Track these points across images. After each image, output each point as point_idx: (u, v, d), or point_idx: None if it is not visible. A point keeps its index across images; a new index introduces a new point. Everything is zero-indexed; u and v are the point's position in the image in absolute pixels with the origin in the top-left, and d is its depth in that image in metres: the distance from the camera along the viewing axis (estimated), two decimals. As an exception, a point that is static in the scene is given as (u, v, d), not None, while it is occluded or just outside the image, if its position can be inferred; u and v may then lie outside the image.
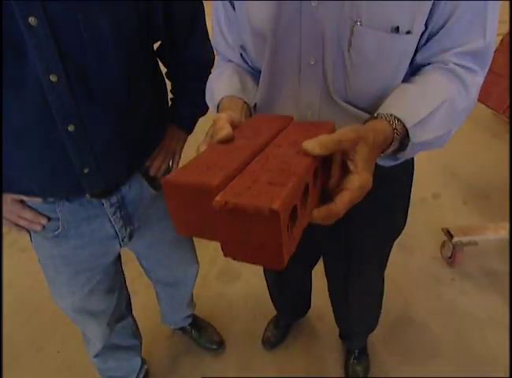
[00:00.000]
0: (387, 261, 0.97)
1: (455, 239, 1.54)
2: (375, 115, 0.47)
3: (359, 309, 1.09)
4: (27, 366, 1.36)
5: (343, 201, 0.37)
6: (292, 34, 0.55)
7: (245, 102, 0.61)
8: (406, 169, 0.75)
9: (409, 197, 0.80)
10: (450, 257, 1.63)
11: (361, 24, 0.50)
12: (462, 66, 0.51)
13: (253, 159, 0.38)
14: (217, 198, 0.31)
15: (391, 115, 0.45)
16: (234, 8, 0.62)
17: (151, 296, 1.28)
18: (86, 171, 0.68)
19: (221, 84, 0.64)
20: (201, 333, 1.37)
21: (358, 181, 0.37)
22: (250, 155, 0.38)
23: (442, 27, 0.50)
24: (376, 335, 1.32)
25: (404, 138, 0.47)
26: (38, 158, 0.65)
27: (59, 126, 0.61)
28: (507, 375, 1.17)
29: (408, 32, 0.50)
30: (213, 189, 0.32)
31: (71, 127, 0.62)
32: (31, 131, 0.61)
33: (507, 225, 1.59)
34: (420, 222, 1.88)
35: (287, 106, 0.64)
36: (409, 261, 1.68)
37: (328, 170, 0.40)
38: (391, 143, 0.45)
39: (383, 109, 0.47)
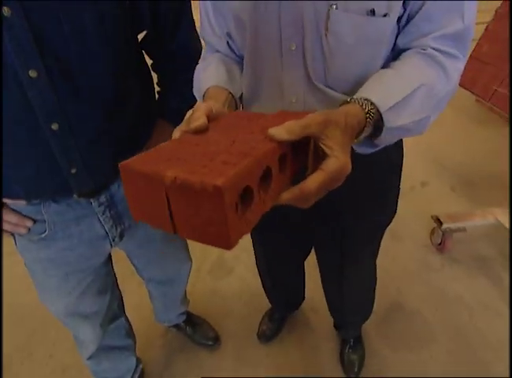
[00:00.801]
0: (378, 248, 0.97)
1: (444, 226, 1.56)
2: (348, 99, 0.46)
3: (353, 298, 1.10)
4: (18, 372, 1.33)
5: (315, 181, 0.36)
6: (272, 20, 0.54)
7: (230, 93, 0.60)
8: (396, 157, 0.75)
9: (399, 184, 0.81)
10: (439, 244, 1.65)
11: (336, 8, 0.49)
12: (442, 51, 0.50)
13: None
14: (168, 174, 0.31)
15: (365, 99, 0.45)
16: None
17: (144, 294, 1.26)
18: (73, 171, 0.65)
19: (208, 74, 0.64)
20: (195, 329, 1.36)
21: (336, 164, 0.37)
22: (215, 150, 0.37)
23: (419, 9, 0.49)
24: (370, 324, 1.33)
25: (378, 122, 0.46)
26: (22, 158, 0.62)
27: (42, 124, 0.58)
28: (507, 375, 1.20)
29: (385, 15, 0.49)
30: (163, 178, 0.31)
31: (55, 126, 0.59)
32: (12, 131, 0.58)
33: (494, 210, 1.62)
34: (409, 210, 1.89)
35: (272, 93, 0.63)
36: (400, 249, 1.70)
37: (305, 160, 0.40)
38: (363, 128, 0.44)
39: (358, 94, 0.47)
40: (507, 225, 1.54)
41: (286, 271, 1.16)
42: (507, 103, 1.30)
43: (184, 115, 0.90)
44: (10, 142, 0.60)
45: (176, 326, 1.37)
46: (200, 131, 0.41)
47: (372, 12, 0.49)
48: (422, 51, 0.51)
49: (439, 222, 1.59)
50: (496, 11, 1.38)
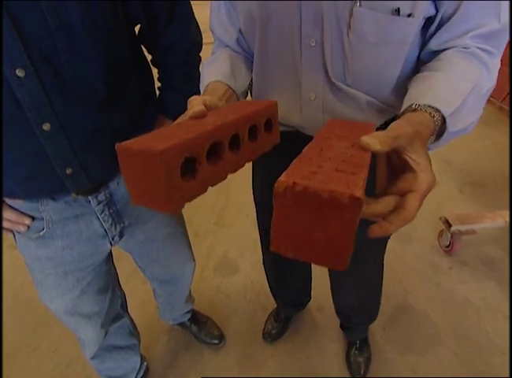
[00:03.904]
0: (385, 247, 0.96)
1: (453, 228, 1.54)
2: (413, 107, 0.43)
3: (360, 297, 1.09)
4: (22, 366, 1.33)
5: (414, 206, 0.34)
6: (292, 15, 0.53)
7: (230, 88, 0.59)
8: None
9: None
10: (447, 246, 1.63)
11: (360, 5, 0.48)
12: (482, 49, 0.49)
13: (215, 133, 0.36)
14: (282, 178, 0.27)
15: (430, 106, 0.42)
16: None
17: (148, 291, 1.26)
18: (68, 171, 0.63)
19: (211, 69, 0.63)
20: (200, 328, 1.35)
21: (426, 181, 0.34)
22: (212, 129, 0.35)
23: (455, 11, 0.48)
24: (377, 326, 1.32)
25: (441, 127, 0.44)
26: (16, 160, 0.60)
27: (33, 125, 0.56)
28: (507, 375, 1.18)
29: (409, 15, 0.48)
30: (157, 154, 0.30)
31: (46, 126, 0.57)
32: (5, 131, 0.56)
33: (504, 213, 1.59)
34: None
35: (288, 89, 0.62)
36: (408, 251, 1.68)
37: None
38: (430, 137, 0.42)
39: (417, 100, 0.44)
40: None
41: (293, 271, 1.14)
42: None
43: (184, 110, 0.88)
44: (4, 142, 0.58)
45: (181, 324, 1.36)
46: (198, 117, 0.40)
47: (398, 12, 0.47)
48: (464, 50, 0.49)
49: (447, 224, 1.57)
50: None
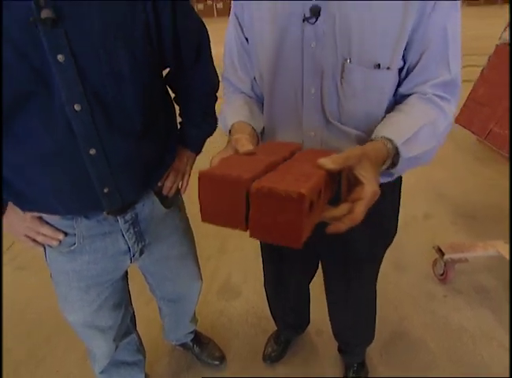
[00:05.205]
0: (378, 271, 1.03)
1: (446, 257, 1.61)
2: (371, 138, 0.56)
3: (357, 318, 1.15)
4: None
5: (360, 210, 0.45)
6: (296, 70, 0.66)
7: (253, 128, 0.70)
8: (396, 184, 0.85)
9: (399, 208, 0.90)
10: (442, 275, 1.69)
11: (350, 62, 0.61)
12: (438, 95, 0.62)
13: (271, 168, 0.47)
14: (254, 184, 0.39)
15: (384, 137, 0.55)
16: (248, 41, 0.73)
17: (151, 312, 1.31)
18: (106, 190, 0.72)
19: (233, 112, 0.74)
20: (202, 349, 1.39)
21: (370, 191, 0.45)
22: (269, 165, 0.47)
23: (416, 64, 0.62)
24: (374, 350, 1.36)
25: (395, 155, 0.56)
26: (64, 181, 0.69)
27: (82, 150, 0.66)
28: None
29: (388, 68, 0.62)
30: (243, 181, 0.40)
31: (92, 151, 0.67)
32: (57, 156, 0.66)
33: (495, 243, 1.67)
34: (412, 241, 1.95)
35: (292, 128, 0.73)
36: (403, 279, 1.74)
37: (335, 186, 0.50)
38: (385, 161, 0.54)
39: (376, 133, 0.57)
40: (508, 257, 1.58)
41: (293, 293, 1.21)
42: (503, 141, 1.40)
43: (203, 142, 0.99)
44: (54, 167, 0.67)
45: (184, 345, 1.40)
46: (249, 155, 0.52)
47: (379, 66, 0.61)
48: (423, 96, 0.62)
49: (440, 252, 1.64)
50: (489, 58, 1.52)
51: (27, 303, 1.70)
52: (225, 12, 17.05)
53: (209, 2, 17.55)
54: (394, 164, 0.57)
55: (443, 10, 0.57)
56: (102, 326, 0.96)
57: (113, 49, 0.62)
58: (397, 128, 0.57)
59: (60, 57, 0.58)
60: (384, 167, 0.55)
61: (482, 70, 1.60)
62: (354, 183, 0.47)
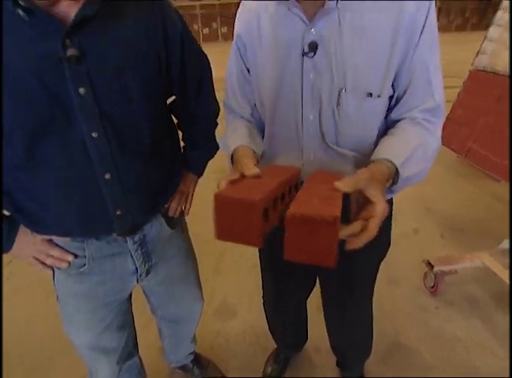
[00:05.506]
0: (373, 287, 1.08)
1: (436, 269, 1.67)
2: (373, 160, 0.62)
3: (354, 333, 1.17)
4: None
5: (374, 227, 0.50)
6: (295, 98, 0.73)
7: (254, 151, 0.75)
8: (389, 200, 0.90)
9: (391, 222, 0.95)
10: (432, 287, 1.75)
11: (345, 91, 0.68)
12: (425, 119, 0.70)
13: (278, 190, 0.52)
14: (289, 211, 0.44)
15: (385, 159, 0.61)
16: (249, 72, 0.80)
17: (150, 335, 1.32)
18: (118, 212, 0.76)
19: (236, 136, 0.79)
20: (202, 370, 1.39)
21: (381, 208, 0.51)
22: (276, 187, 0.52)
23: (405, 93, 0.70)
24: (371, 363, 1.38)
25: (395, 175, 0.62)
26: (79, 204, 0.72)
27: (98, 175, 0.69)
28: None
29: (378, 96, 0.69)
30: (257, 203, 0.45)
31: (107, 175, 0.70)
32: (74, 181, 0.69)
33: (481, 255, 1.74)
34: (403, 256, 2.02)
35: (292, 152, 0.79)
36: (396, 293, 1.79)
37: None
38: (388, 180, 0.60)
39: (376, 156, 0.63)
40: (494, 269, 1.65)
41: (292, 307, 1.23)
42: (482, 158, 1.50)
43: (205, 165, 1.05)
44: (71, 191, 0.70)
45: (183, 367, 1.40)
46: (256, 177, 0.57)
47: (370, 95, 0.68)
48: (413, 121, 0.70)
49: (430, 265, 1.70)
50: (464, 82, 1.64)
51: (26, 324, 1.66)
52: (229, 36, 18.18)
53: (214, 26, 18.31)
54: (394, 183, 0.63)
55: (425, 47, 0.65)
56: (107, 348, 0.96)
57: (128, 80, 0.67)
58: (394, 151, 0.63)
59: (81, 90, 0.62)
60: (388, 185, 0.61)
61: (458, 93, 1.72)
62: (364, 202, 0.52)
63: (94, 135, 0.66)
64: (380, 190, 0.53)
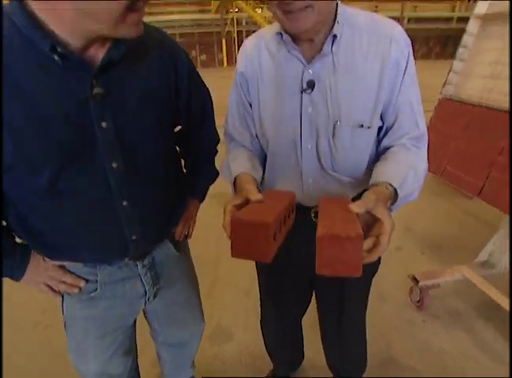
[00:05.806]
0: (366, 304, 1.14)
1: (421, 283, 1.77)
2: (374, 184, 0.70)
3: (350, 349, 1.22)
4: None
5: (385, 242, 0.57)
6: (295, 129, 0.81)
7: (254, 178, 0.82)
8: None
9: None
10: (418, 301, 1.83)
11: (340, 123, 0.77)
12: (413, 145, 0.80)
13: (284, 213, 0.61)
14: (319, 232, 0.51)
15: (386, 182, 0.69)
16: (251, 106, 0.88)
17: (146, 362, 1.29)
18: (134, 238, 0.79)
19: (237, 163, 0.86)
20: (201, 395, 1.38)
21: (390, 225, 0.58)
22: (282, 210, 0.61)
23: (393, 125, 0.80)
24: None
25: (394, 195, 0.70)
26: (97, 231, 0.75)
27: (116, 202, 0.73)
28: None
29: (369, 127, 0.79)
30: (269, 224, 0.53)
31: (125, 203, 0.74)
32: (93, 209, 0.72)
33: (461, 268, 1.85)
34: (388, 273, 2.10)
35: (292, 177, 0.87)
36: (384, 309, 1.86)
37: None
38: (389, 200, 0.68)
39: (376, 179, 0.71)
40: (474, 281, 1.75)
41: (290, 325, 1.27)
42: (455, 178, 1.63)
43: (206, 190, 1.11)
44: (91, 219, 0.73)
45: (181, 393, 1.38)
46: (259, 202, 0.64)
47: (362, 126, 0.77)
48: (403, 147, 0.79)
49: (415, 280, 1.79)
50: (435, 109, 1.81)
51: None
52: (209, 63, 20.24)
53: (194, 53, 19.52)
54: (392, 202, 0.71)
55: (408, 85, 0.76)
56: (113, 373, 0.97)
57: (145, 111, 0.73)
58: (391, 174, 0.71)
59: (104, 124, 0.67)
60: (388, 205, 0.69)
61: (431, 119, 1.88)
62: (372, 221, 0.60)
63: (114, 165, 0.70)
64: (386, 209, 0.61)
